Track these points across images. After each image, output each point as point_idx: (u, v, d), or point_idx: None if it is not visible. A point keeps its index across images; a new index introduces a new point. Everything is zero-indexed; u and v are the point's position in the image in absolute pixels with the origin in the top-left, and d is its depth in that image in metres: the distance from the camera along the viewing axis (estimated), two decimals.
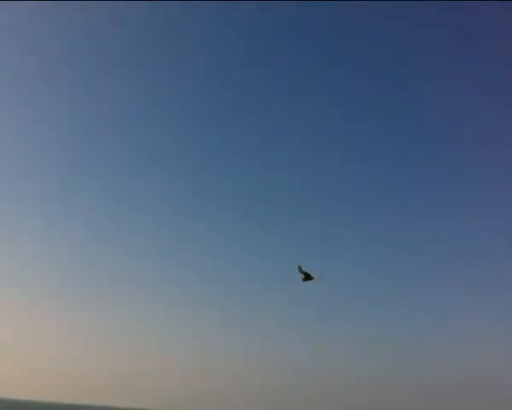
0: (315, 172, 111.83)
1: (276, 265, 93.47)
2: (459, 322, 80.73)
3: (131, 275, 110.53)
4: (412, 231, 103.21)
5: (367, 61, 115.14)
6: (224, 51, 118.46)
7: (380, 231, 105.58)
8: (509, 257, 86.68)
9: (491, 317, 78.54)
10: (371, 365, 75.18)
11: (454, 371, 69.39)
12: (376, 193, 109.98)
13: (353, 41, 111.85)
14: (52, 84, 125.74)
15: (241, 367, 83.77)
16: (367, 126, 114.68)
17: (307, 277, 13.96)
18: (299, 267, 14.17)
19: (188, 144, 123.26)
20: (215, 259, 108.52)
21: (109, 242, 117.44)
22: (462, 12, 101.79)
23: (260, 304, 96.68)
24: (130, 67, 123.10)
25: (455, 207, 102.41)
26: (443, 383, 65.72)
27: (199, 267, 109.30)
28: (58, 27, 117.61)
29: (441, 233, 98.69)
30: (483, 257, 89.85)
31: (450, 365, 70.69)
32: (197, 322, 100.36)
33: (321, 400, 68.26)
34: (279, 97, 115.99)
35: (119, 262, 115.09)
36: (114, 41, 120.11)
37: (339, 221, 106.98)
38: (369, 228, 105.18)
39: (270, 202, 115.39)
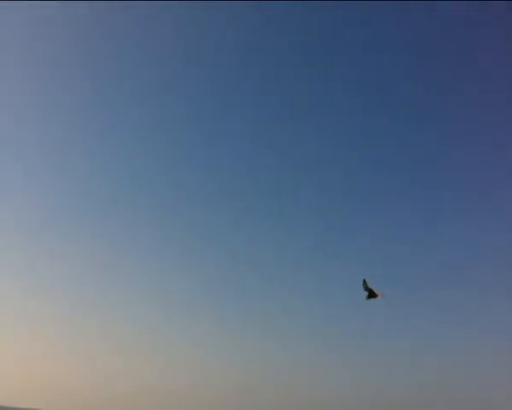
0: (334, 171, 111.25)
1: (297, 266, 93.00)
2: (462, 326, 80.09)
3: (139, 275, 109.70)
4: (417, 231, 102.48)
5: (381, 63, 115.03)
6: (239, 51, 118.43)
7: (383, 232, 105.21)
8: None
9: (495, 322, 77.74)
10: (373, 374, 74.76)
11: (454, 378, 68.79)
12: (378, 194, 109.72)
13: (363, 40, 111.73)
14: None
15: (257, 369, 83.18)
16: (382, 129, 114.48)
17: (371, 294, 12.52)
18: (364, 282, 12.55)
19: (204, 140, 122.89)
20: (234, 258, 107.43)
21: (119, 240, 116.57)
22: (462, 12, 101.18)
23: (279, 305, 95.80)
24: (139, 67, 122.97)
25: (457, 207, 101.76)
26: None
27: (217, 267, 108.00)
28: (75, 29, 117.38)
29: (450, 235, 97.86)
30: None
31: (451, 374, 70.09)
32: (215, 326, 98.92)
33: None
34: (301, 95, 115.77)
35: (126, 261, 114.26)
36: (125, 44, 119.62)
37: (356, 221, 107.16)
38: (369, 228, 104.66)
39: (286, 202, 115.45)
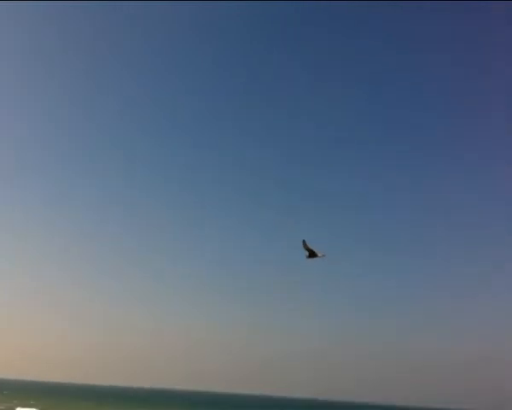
0: (336, 171, 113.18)
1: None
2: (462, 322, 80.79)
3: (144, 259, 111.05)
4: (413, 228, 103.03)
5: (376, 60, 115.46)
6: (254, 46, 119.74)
7: (382, 231, 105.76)
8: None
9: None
10: (372, 343, 76.58)
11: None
12: (377, 192, 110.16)
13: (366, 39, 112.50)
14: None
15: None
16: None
17: (312, 254, 12.90)
18: (304, 242, 12.87)
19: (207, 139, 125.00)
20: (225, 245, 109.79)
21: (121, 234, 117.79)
22: (462, 12, 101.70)
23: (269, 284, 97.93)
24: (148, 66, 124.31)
25: (458, 206, 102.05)
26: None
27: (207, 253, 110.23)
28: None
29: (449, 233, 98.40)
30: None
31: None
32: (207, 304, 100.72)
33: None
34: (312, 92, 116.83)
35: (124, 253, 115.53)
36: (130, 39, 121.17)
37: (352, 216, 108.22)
38: (370, 225, 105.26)
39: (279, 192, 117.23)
